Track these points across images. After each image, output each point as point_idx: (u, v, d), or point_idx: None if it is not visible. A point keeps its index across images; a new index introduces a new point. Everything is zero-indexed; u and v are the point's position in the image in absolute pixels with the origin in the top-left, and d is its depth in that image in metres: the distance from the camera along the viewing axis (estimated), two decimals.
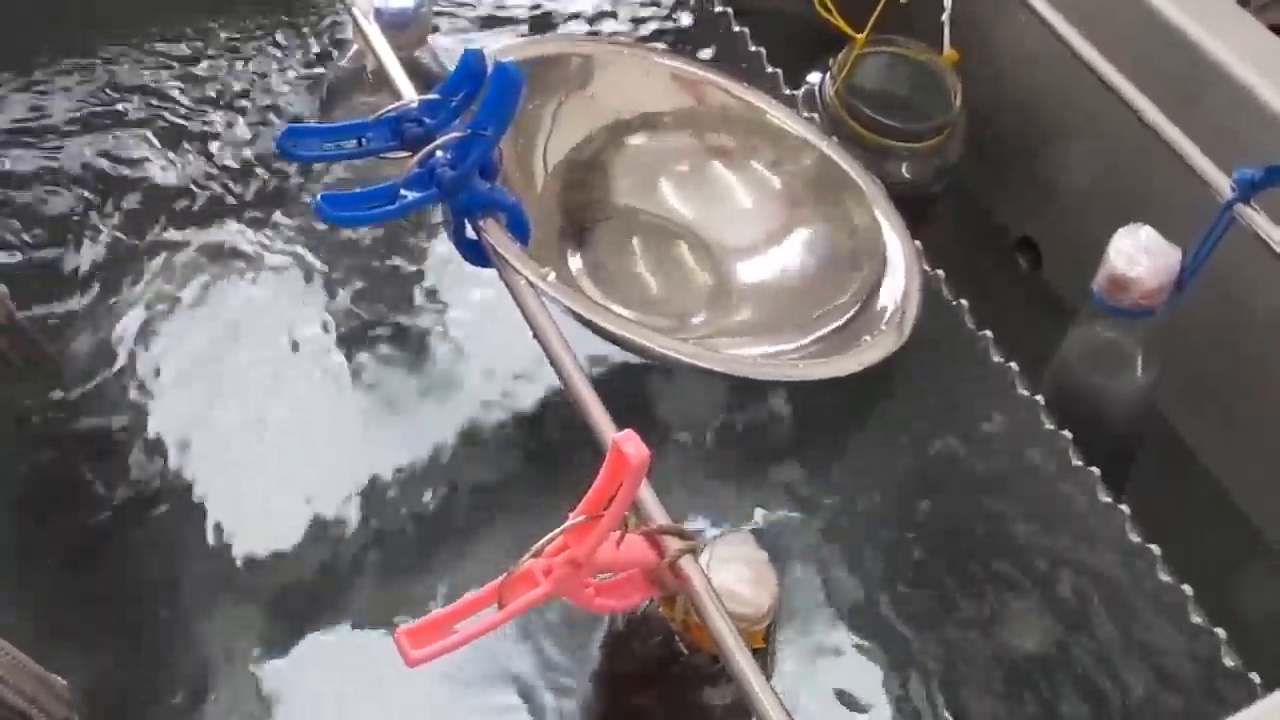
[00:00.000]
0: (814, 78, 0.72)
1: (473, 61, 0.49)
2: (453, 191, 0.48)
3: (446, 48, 0.69)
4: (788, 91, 0.70)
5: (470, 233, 0.49)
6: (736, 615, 0.40)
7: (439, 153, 0.48)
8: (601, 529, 0.38)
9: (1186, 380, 0.65)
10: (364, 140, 0.50)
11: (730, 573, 0.44)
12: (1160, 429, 0.69)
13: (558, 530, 0.38)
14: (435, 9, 0.69)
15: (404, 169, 0.48)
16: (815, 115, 0.69)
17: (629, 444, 0.36)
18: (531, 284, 0.47)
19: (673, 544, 0.40)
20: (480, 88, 0.48)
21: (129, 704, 0.50)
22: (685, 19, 0.76)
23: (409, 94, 0.51)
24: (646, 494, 0.41)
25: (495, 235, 0.48)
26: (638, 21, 0.76)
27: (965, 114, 0.71)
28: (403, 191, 0.48)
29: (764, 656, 0.46)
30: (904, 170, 0.70)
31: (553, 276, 0.49)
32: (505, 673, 0.52)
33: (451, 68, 0.52)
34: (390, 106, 0.50)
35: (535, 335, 0.46)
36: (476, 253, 0.50)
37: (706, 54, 0.73)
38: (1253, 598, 0.61)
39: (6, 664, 0.42)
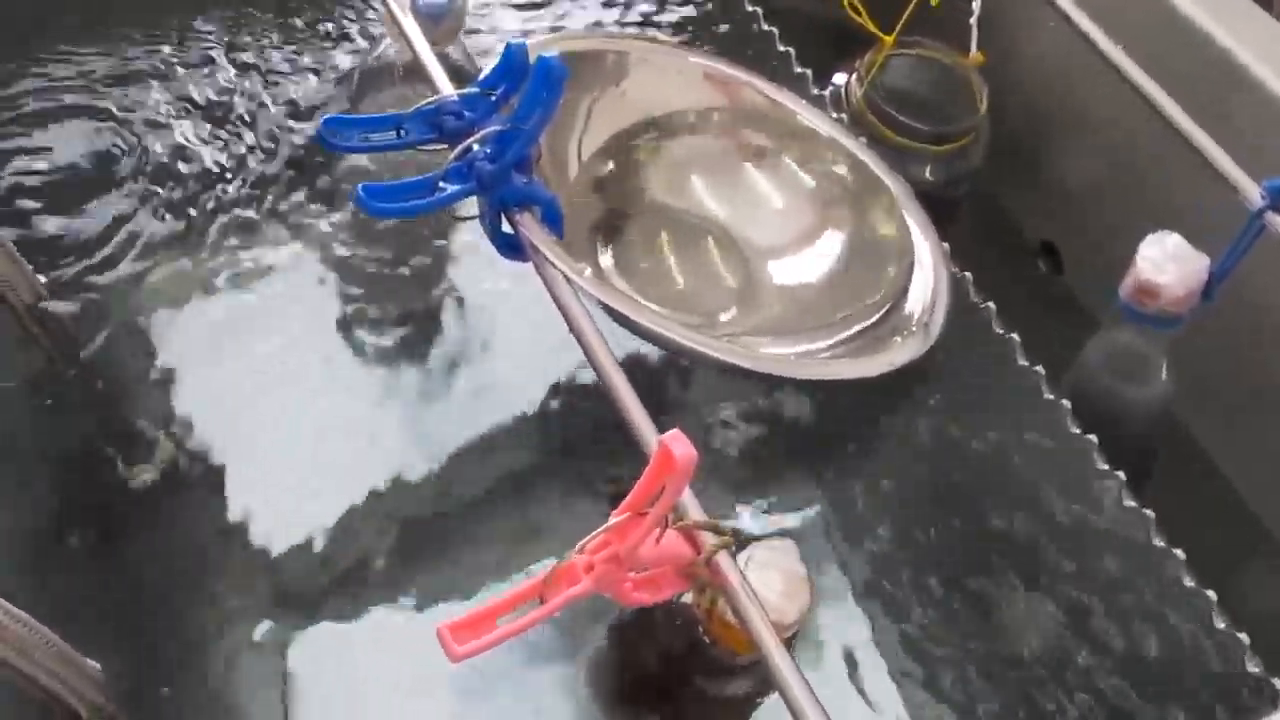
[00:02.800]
0: (839, 78, 0.72)
1: (515, 55, 0.48)
2: (491, 185, 0.48)
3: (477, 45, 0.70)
4: (816, 92, 0.70)
5: (506, 226, 0.49)
6: None
7: (477, 146, 0.48)
8: (645, 527, 0.38)
9: (1201, 384, 0.65)
10: (402, 132, 0.50)
11: (763, 579, 0.45)
12: (1174, 431, 0.69)
13: (601, 528, 0.38)
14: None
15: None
16: (842, 117, 0.69)
17: (677, 444, 0.36)
18: (568, 279, 0.47)
19: (709, 539, 0.40)
20: (521, 82, 0.48)
21: (156, 689, 0.51)
22: (715, 18, 0.76)
23: (446, 89, 0.51)
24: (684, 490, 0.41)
25: (532, 230, 0.48)
26: (668, 20, 0.76)
27: (989, 117, 0.71)
28: (441, 184, 0.48)
29: None
30: (927, 173, 0.70)
31: (589, 272, 0.49)
32: (526, 655, 0.52)
33: (482, 64, 0.52)
34: (430, 99, 0.49)
35: (571, 330, 0.46)
36: (511, 247, 0.50)
37: (736, 53, 0.73)
38: (1267, 602, 0.61)
39: (42, 647, 0.42)
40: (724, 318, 0.59)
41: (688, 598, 0.48)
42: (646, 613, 0.51)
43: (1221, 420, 0.70)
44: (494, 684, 0.52)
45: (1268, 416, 0.68)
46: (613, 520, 0.38)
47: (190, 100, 0.69)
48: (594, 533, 0.38)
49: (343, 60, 0.71)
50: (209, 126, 0.68)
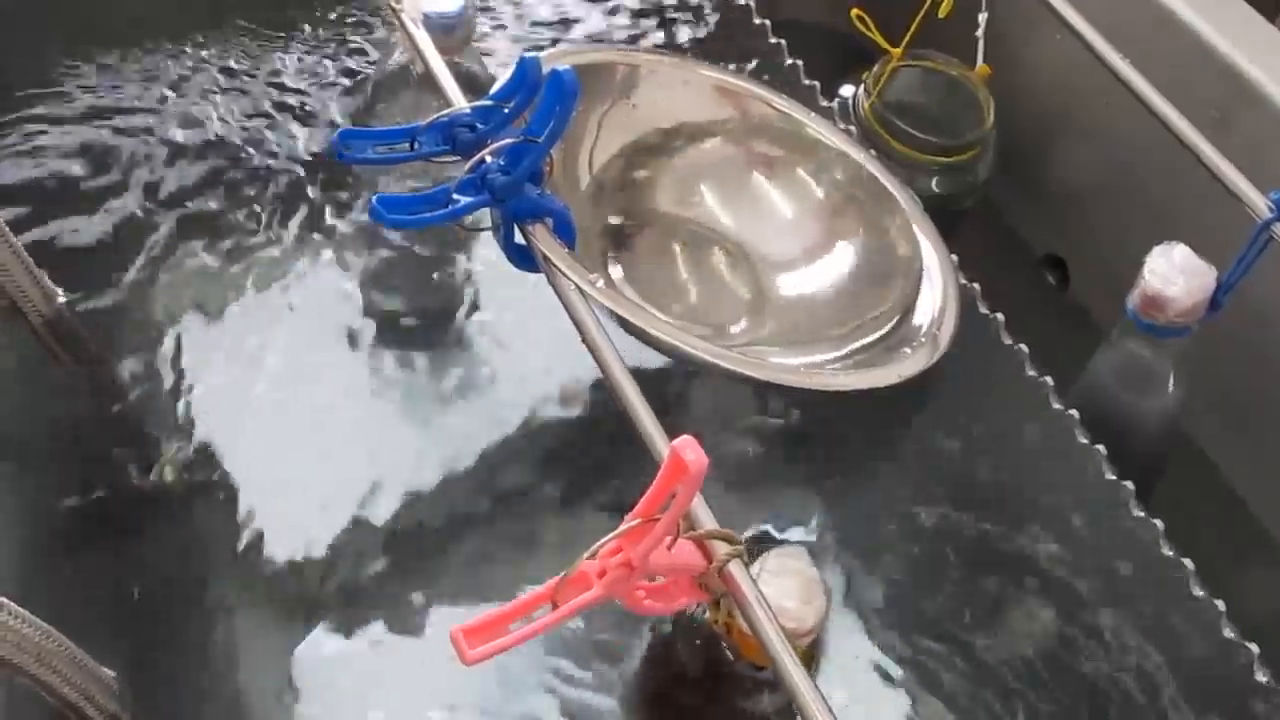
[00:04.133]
0: (847, 91, 0.73)
1: (528, 68, 0.49)
2: (504, 197, 0.48)
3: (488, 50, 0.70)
4: (824, 104, 0.71)
5: (519, 238, 0.50)
6: None
7: (490, 158, 0.49)
8: (657, 533, 0.38)
9: (1209, 394, 0.65)
10: (416, 144, 0.50)
11: (779, 586, 0.45)
12: (1183, 443, 0.69)
13: (613, 534, 0.39)
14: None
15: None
16: (851, 129, 0.70)
17: (689, 451, 0.36)
18: (580, 289, 0.47)
19: (720, 548, 0.41)
20: (534, 94, 0.49)
21: (170, 697, 0.51)
22: (724, 31, 0.77)
23: (459, 101, 0.51)
24: (695, 499, 0.41)
25: (544, 241, 0.49)
26: (678, 33, 0.77)
27: (996, 130, 0.72)
28: (455, 196, 0.48)
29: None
30: (934, 185, 0.71)
31: (601, 283, 0.49)
32: (546, 670, 0.52)
33: (494, 71, 0.53)
34: (444, 111, 0.50)
35: (583, 340, 0.46)
36: (524, 257, 0.50)
37: (745, 66, 0.73)
38: (1276, 611, 0.62)
39: (61, 656, 0.43)
40: (734, 329, 0.60)
41: (706, 614, 0.48)
42: (671, 633, 0.51)
43: (1229, 430, 0.70)
44: (512, 695, 0.52)
45: (1275, 426, 0.68)
46: (624, 526, 0.38)
47: (203, 110, 0.69)
48: (605, 538, 0.38)
49: (357, 67, 0.72)
50: (221, 135, 0.68)
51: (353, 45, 0.73)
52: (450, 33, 0.60)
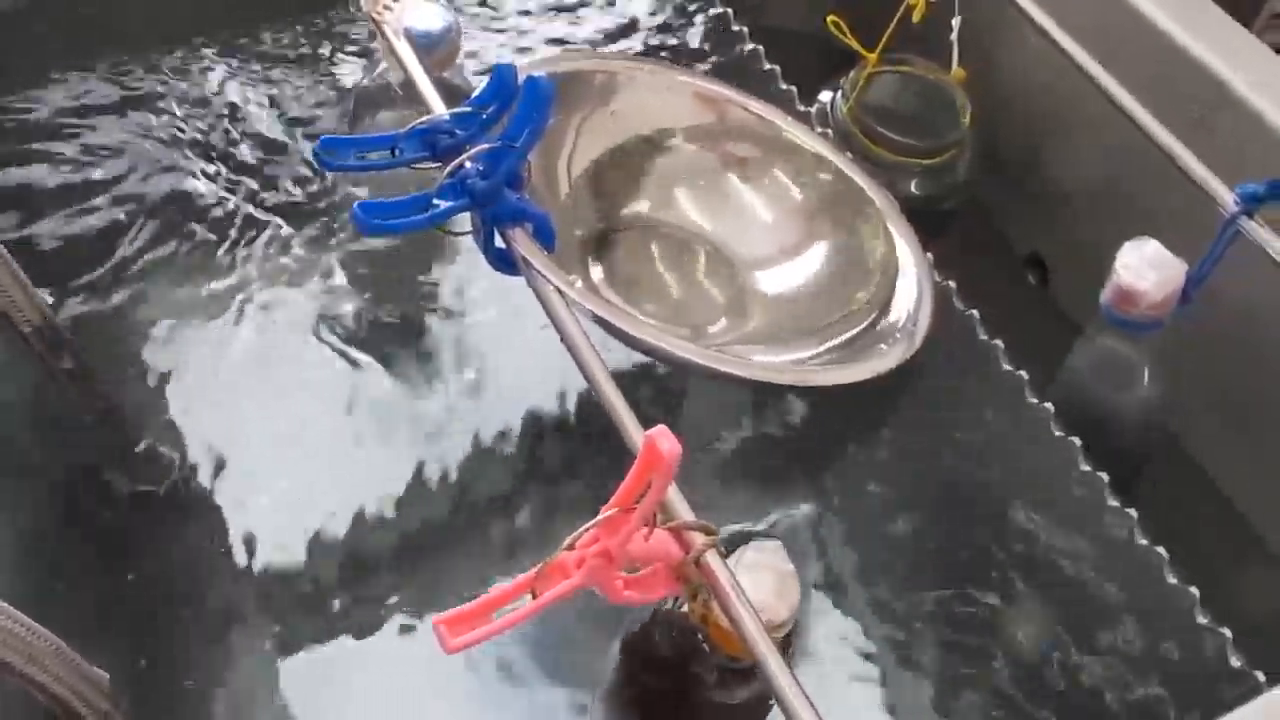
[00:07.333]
0: (825, 96, 0.74)
1: (505, 75, 0.50)
2: (484, 201, 0.49)
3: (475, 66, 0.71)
4: (801, 108, 0.72)
5: (499, 241, 0.51)
6: None
7: (469, 163, 0.49)
8: (634, 522, 0.39)
9: (1191, 390, 0.66)
10: (396, 151, 0.51)
11: (754, 580, 0.45)
12: (1164, 437, 0.70)
13: (590, 523, 0.39)
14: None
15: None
16: (828, 132, 0.71)
17: (663, 440, 0.37)
18: (560, 291, 0.48)
19: (697, 539, 0.41)
20: (511, 101, 0.50)
21: (161, 696, 0.52)
22: (702, 37, 0.78)
23: (439, 108, 0.52)
24: (672, 491, 0.42)
25: (524, 244, 0.49)
26: (657, 39, 0.78)
27: (974, 132, 0.73)
28: (435, 201, 0.49)
29: None
30: (914, 187, 0.72)
31: (579, 285, 0.50)
32: (527, 664, 0.53)
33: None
34: (423, 118, 0.51)
35: (563, 341, 0.47)
36: (505, 261, 0.51)
37: (722, 71, 0.74)
38: (1256, 601, 0.62)
39: (51, 655, 0.43)
40: (713, 329, 0.60)
41: (685, 607, 0.49)
42: (647, 626, 0.52)
43: (1206, 423, 0.71)
44: (492, 691, 0.52)
45: (1258, 421, 0.69)
46: (601, 516, 0.39)
47: (190, 120, 0.70)
48: (583, 528, 0.39)
49: (341, 81, 0.73)
50: (209, 146, 0.69)
51: (337, 58, 0.74)
52: (431, 51, 0.60)
